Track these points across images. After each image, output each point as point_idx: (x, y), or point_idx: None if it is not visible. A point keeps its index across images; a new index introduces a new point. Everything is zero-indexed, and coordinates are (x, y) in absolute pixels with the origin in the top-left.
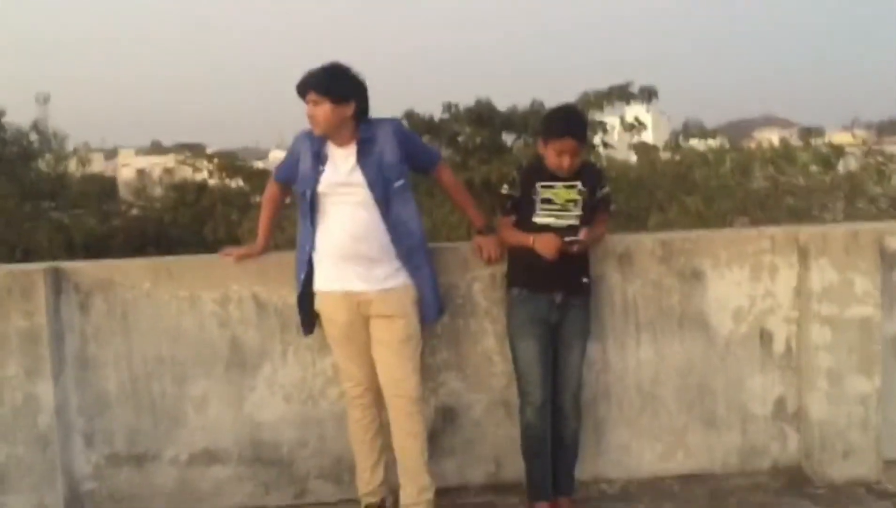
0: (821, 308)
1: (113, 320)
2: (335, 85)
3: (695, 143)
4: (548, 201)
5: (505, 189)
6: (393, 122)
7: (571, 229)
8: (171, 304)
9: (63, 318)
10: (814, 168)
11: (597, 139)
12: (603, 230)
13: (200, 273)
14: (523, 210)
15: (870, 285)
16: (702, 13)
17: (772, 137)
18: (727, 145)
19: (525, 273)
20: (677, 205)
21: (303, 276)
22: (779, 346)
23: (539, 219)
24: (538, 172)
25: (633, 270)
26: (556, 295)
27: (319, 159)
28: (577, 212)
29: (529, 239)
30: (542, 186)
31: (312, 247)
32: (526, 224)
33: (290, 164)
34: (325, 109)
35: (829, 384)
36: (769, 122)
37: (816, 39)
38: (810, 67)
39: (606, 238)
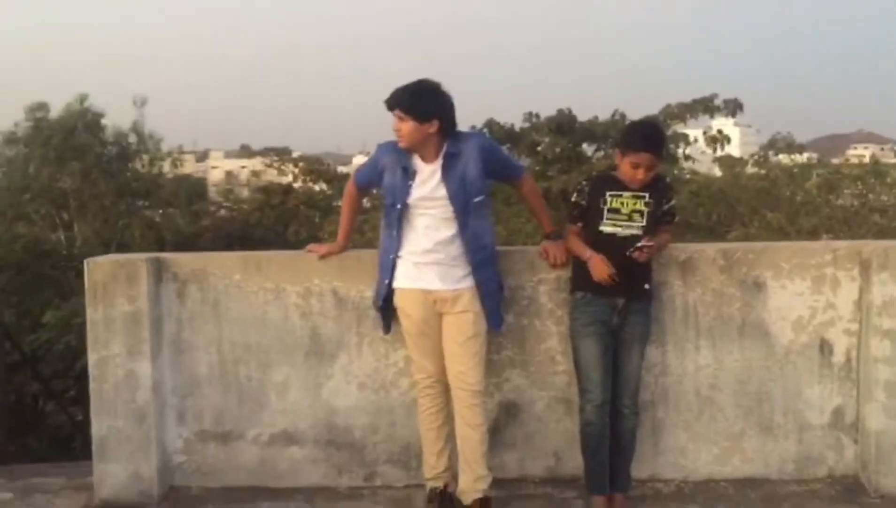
0: (881, 322)
1: (206, 307)
2: (419, 104)
3: (783, 158)
4: (615, 210)
5: (573, 197)
6: (479, 137)
7: (634, 239)
8: (258, 295)
9: (162, 304)
10: None
11: (679, 151)
12: (668, 238)
13: (286, 267)
14: (590, 219)
15: None
16: (803, 23)
17: (866, 153)
18: (815, 161)
19: (589, 278)
20: (759, 220)
21: (387, 281)
22: (838, 357)
23: (604, 228)
24: (608, 181)
25: (695, 278)
26: (618, 300)
27: (408, 174)
28: (642, 223)
29: (586, 254)
30: (611, 195)
31: (396, 254)
32: (592, 232)
33: (373, 171)
34: (409, 126)
35: (886, 397)
36: (865, 138)
37: None
38: None
39: (669, 246)
